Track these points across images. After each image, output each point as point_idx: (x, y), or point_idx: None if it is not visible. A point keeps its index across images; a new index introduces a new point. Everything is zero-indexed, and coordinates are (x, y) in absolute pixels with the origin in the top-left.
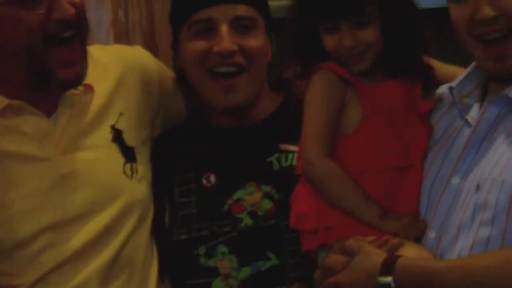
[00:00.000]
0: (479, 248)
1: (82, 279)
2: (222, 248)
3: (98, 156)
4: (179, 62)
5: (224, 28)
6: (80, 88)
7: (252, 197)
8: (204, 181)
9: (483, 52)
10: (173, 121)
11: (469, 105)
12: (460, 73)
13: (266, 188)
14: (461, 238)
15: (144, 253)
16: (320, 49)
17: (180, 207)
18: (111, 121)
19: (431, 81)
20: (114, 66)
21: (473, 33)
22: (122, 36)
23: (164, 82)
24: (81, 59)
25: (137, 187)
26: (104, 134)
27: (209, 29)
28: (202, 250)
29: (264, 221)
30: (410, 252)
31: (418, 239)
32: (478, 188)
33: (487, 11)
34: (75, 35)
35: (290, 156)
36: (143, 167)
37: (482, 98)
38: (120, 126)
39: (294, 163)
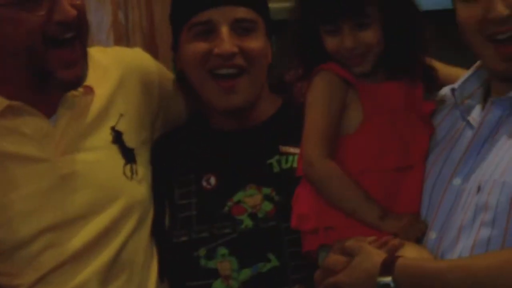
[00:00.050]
0: (480, 249)
1: (82, 279)
2: (222, 250)
3: (98, 158)
4: (179, 63)
5: (224, 30)
6: (80, 89)
7: (252, 199)
8: (204, 183)
9: (493, 51)
10: (173, 123)
11: (471, 106)
12: (463, 74)
13: (266, 190)
14: (462, 239)
15: (144, 254)
16: (321, 50)
17: (180, 208)
18: (111, 122)
19: (434, 82)
20: (114, 68)
21: (485, 33)
22: (122, 38)
23: (164, 84)
24: (82, 61)
25: (137, 188)
26: (104, 135)
27: (209, 31)
28: (202, 251)
29: (264, 223)
30: (410, 253)
31: (419, 240)
32: (479, 189)
33: (502, 10)
34: (75, 36)
35: (290, 158)
36: (143, 169)
37: (484, 99)
38: (120, 127)
39: (295, 165)
